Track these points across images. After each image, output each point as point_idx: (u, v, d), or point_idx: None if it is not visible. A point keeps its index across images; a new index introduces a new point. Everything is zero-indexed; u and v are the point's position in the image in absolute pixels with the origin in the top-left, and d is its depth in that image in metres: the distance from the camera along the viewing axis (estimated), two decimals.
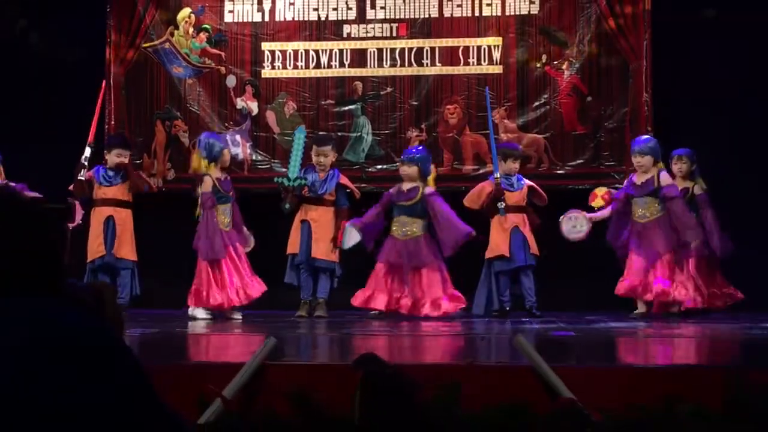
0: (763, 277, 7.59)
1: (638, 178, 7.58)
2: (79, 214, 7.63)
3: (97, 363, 1.29)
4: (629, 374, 3.25)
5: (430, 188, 7.62)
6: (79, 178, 7.64)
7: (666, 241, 7.38)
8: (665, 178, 7.50)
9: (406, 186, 7.60)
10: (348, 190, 7.83)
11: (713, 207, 7.66)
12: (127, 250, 7.71)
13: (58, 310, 1.33)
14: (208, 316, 7.26)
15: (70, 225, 7.50)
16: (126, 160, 7.84)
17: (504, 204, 7.56)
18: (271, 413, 3.20)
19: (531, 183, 7.80)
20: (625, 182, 7.74)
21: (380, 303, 7.37)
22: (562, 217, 7.63)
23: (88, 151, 7.70)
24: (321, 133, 8.54)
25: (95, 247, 7.66)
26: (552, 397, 3.16)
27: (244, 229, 7.60)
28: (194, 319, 7.17)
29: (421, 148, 8.12)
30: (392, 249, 7.47)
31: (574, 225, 7.58)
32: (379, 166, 8.61)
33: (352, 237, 7.47)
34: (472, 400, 3.07)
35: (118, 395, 1.29)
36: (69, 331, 1.31)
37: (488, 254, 7.62)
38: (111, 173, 7.77)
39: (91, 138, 7.74)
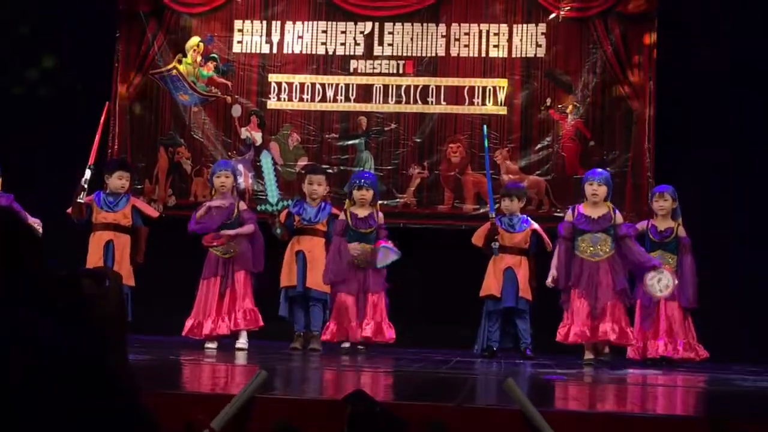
0: (725, 335, 7.45)
1: (592, 211, 7.22)
2: None
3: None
4: (612, 421, 3.25)
5: (381, 216, 7.57)
6: (78, 200, 7.38)
7: (616, 283, 7.04)
8: (620, 217, 7.27)
9: (363, 212, 7.48)
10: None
11: (693, 254, 7.30)
12: (125, 275, 7.57)
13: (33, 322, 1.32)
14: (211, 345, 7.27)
15: None
16: (127, 183, 7.62)
17: (497, 244, 7.44)
18: None
19: (537, 227, 7.62)
20: (570, 215, 7.33)
21: (353, 334, 7.29)
22: (646, 277, 7.11)
23: (88, 174, 7.43)
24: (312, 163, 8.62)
25: None
26: None
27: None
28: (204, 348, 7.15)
29: (372, 172, 8.17)
30: (353, 277, 7.32)
31: (667, 284, 7.07)
32: (381, 202, 8.56)
33: (388, 257, 7.30)
34: None
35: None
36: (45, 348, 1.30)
37: (481, 293, 7.53)
38: (111, 198, 7.53)
39: (91, 160, 7.48)
